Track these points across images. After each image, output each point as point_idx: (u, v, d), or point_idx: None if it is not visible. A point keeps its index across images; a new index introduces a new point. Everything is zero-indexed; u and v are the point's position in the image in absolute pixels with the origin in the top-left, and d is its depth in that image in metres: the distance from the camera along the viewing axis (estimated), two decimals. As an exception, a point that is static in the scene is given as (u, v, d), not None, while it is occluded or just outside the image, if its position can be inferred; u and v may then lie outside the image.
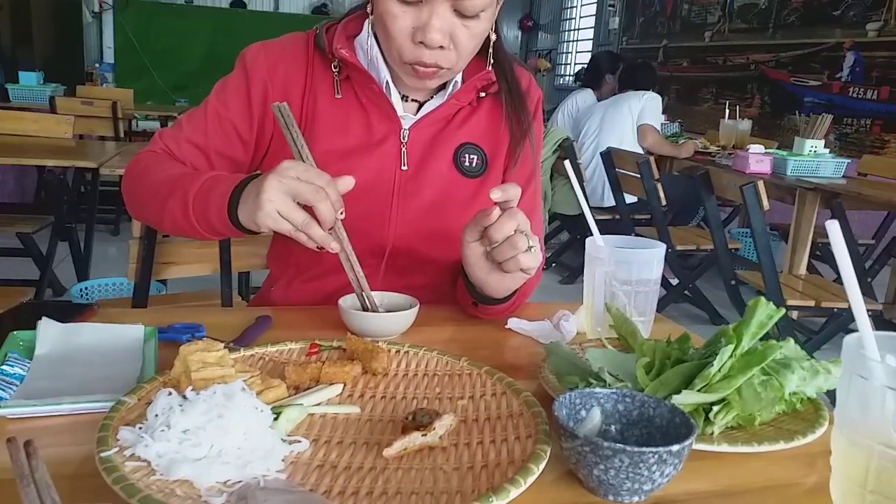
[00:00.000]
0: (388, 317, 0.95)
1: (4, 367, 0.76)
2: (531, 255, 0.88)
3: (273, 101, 1.06)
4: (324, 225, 0.85)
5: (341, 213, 0.87)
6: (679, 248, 3.61)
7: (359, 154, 1.08)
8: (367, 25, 1.07)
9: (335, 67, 1.08)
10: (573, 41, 9.03)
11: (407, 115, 1.11)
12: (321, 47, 1.08)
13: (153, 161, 1.05)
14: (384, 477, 0.60)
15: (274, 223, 0.83)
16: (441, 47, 0.95)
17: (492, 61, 1.09)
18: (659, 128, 4.36)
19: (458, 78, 1.09)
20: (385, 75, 1.06)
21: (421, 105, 1.12)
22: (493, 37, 1.06)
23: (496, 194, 0.84)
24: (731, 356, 0.70)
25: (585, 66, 5.37)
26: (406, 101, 1.11)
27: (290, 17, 8.95)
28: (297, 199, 0.83)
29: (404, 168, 1.09)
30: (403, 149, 1.09)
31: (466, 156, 1.12)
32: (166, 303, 2.21)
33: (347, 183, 0.87)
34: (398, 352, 0.86)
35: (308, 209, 0.84)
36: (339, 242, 0.90)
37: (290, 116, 0.93)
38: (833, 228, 0.53)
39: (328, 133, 1.08)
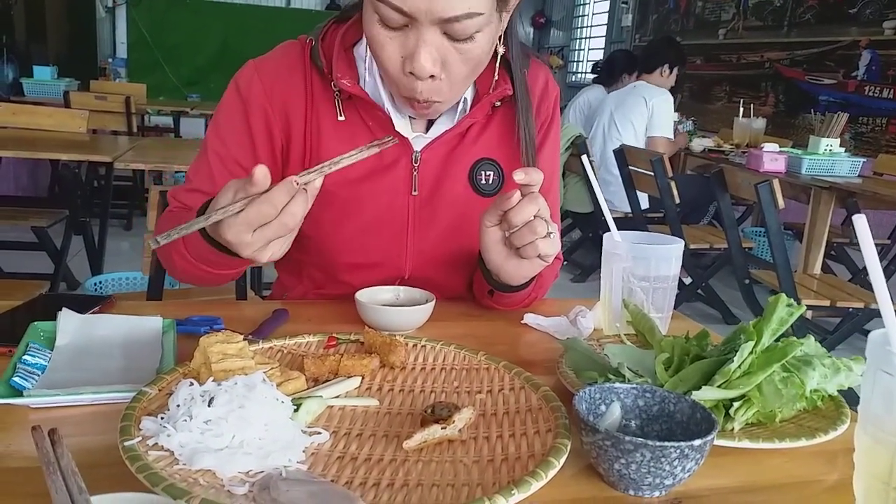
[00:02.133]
0: (405, 311, 0.95)
1: (26, 357, 0.76)
2: (550, 242, 0.87)
3: (275, 125, 1.00)
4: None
5: (296, 183, 0.72)
6: (692, 246, 3.59)
7: (368, 180, 1.03)
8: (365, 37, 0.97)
9: (335, 86, 1.00)
10: (586, 38, 8.98)
11: (417, 134, 1.04)
12: (319, 66, 1.00)
13: (166, 220, 1.01)
14: (404, 469, 0.60)
15: (272, 254, 0.77)
16: (433, 77, 0.88)
17: (497, 76, 1.02)
18: (672, 129, 4.25)
19: (469, 96, 1.03)
20: (389, 104, 1.00)
21: (430, 121, 1.06)
22: (501, 50, 0.99)
23: (519, 176, 0.83)
24: (751, 352, 0.70)
25: (600, 63, 5.33)
26: (414, 118, 1.05)
27: (301, 13, 8.94)
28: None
29: (415, 193, 1.04)
30: (415, 173, 1.04)
31: (483, 173, 1.07)
32: (180, 297, 2.22)
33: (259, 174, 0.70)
34: (415, 346, 0.86)
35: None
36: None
37: None
38: (860, 224, 0.53)
39: None
